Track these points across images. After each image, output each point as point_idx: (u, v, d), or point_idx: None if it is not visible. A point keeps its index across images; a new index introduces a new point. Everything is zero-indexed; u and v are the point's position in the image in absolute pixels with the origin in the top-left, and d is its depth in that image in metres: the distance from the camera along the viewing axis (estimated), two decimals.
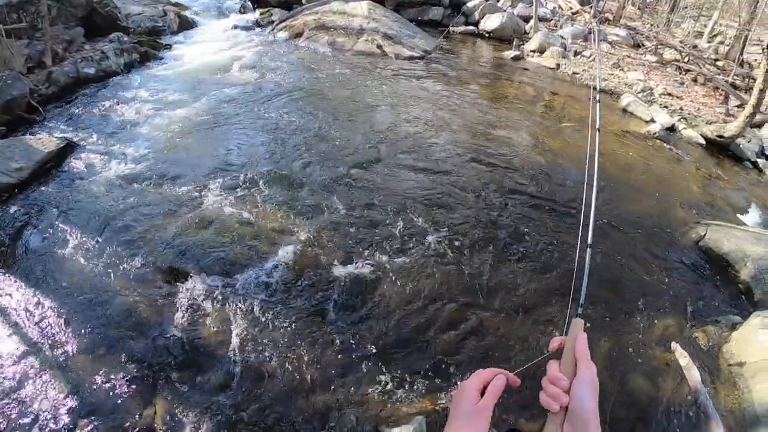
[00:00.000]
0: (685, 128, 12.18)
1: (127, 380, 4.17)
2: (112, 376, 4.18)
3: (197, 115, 8.79)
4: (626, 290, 6.03)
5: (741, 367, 5.14)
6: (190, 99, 9.45)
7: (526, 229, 6.68)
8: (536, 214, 7.08)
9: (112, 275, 5.19)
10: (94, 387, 4.10)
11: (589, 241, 1.64)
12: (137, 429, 3.85)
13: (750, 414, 4.70)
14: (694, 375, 4.94)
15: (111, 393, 4.06)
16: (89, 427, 3.81)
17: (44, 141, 7.13)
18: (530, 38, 17.57)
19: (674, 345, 5.28)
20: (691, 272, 6.61)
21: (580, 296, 1.40)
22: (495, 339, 5.02)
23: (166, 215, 6.11)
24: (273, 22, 15.43)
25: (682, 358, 5.12)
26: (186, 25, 14.65)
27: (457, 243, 6.19)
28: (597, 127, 2.16)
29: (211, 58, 12.03)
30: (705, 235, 7.21)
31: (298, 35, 14.31)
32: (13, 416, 3.83)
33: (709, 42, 22.02)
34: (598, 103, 2.33)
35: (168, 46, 12.70)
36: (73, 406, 3.95)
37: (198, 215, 6.14)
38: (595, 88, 2.40)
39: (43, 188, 6.46)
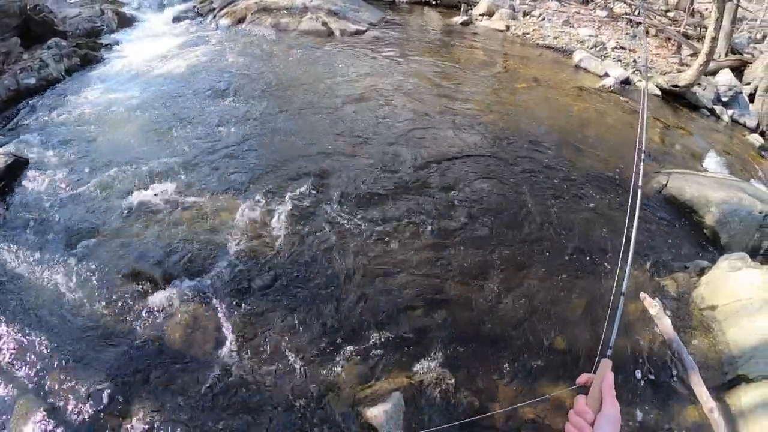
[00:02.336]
0: (639, 80, 12.38)
1: (100, 393, 4.16)
2: (85, 391, 4.18)
3: (143, 113, 8.62)
4: (593, 244, 6.18)
5: (713, 310, 5.33)
6: (134, 98, 9.25)
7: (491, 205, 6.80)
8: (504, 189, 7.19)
9: (75, 289, 5.13)
10: (68, 403, 4.09)
11: (623, 289, 1.75)
12: None
13: (726, 355, 4.90)
14: (665, 323, 5.12)
15: (85, 408, 4.06)
16: None
17: None
18: (478, 2, 17.59)
19: (643, 295, 5.45)
20: (656, 221, 6.79)
21: (611, 338, 1.50)
22: (456, 308, 5.17)
23: (125, 221, 6.03)
24: (213, 9, 15.18)
25: (652, 307, 5.30)
26: (125, 22, 14.31)
27: (423, 225, 6.22)
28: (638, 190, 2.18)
29: (152, 53, 11.75)
30: (667, 183, 7.40)
31: (241, 20, 14.10)
32: None
33: None
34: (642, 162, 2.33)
35: (108, 46, 12.37)
36: (47, 424, 3.95)
37: (155, 216, 6.10)
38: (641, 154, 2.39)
39: None
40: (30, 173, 6.94)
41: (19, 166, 7.05)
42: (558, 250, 6.04)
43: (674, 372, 4.76)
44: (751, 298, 5.21)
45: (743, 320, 5.06)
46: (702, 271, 5.89)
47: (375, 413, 4.02)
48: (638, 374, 4.71)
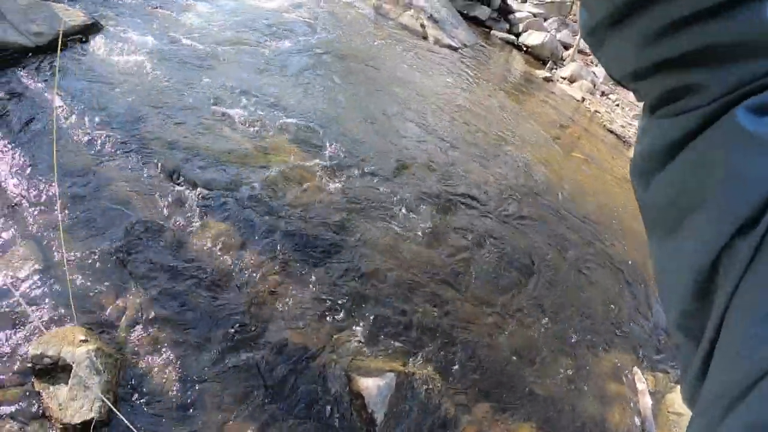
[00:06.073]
0: None
1: (100, 265, 4.39)
2: (85, 258, 4.40)
3: (236, 28, 8.94)
4: (594, 317, 6.36)
5: (678, 417, 5.50)
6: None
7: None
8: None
9: (110, 163, 5.36)
10: (65, 260, 4.27)
11: None
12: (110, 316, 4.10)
13: None
14: (646, 402, 5.35)
15: (83, 273, 4.29)
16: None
17: (72, 13, 7.22)
18: (565, 65, 17.79)
19: (636, 369, 5.68)
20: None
21: None
22: (466, 326, 5.39)
23: (183, 121, 6.29)
24: None
25: (640, 382, 5.52)
26: None
27: (463, 239, 6.50)
28: None
29: None
30: None
31: None
32: None
33: None
34: None
35: None
36: (42, 279, 4.17)
37: (214, 131, 6.35)
38: None
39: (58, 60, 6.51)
40: (103, 40, 7.21)
41: (94, 29, 7.31)
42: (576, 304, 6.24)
43: None
44: None
45: None
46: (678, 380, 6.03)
47: (368, 384, 4.28)
48: None
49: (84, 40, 7.02)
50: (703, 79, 0.53)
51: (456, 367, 4.88)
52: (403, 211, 6.42)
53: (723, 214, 0.49)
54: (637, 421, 5.25)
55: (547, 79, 16.13)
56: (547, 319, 5.91)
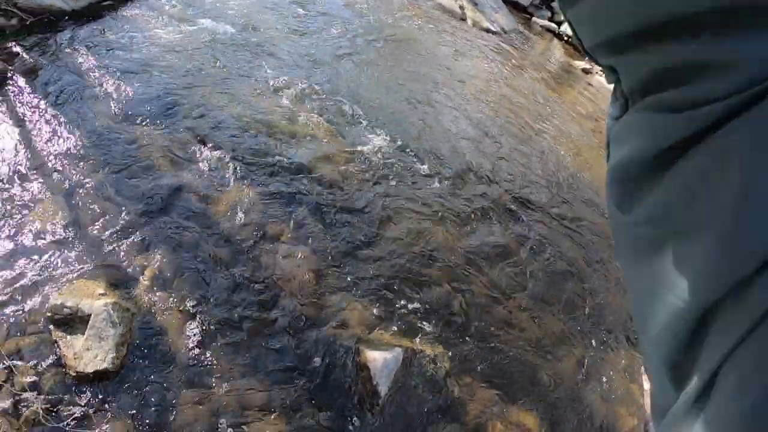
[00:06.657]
0: None
1: (124, 223, 4.54)
2: (109, 216, 4.55)
3: (277, 5, 9.06)
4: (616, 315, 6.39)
5: None
6: None
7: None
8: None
9: (140, 126, 5.49)
10: (91, 217, 4.49)
11: None
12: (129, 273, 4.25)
13: None
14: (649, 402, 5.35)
15: (106, 230, 4.45)
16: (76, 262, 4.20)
17: None
18: None
19: (644, 369, 5.64)
20: None
21: None
22: (489, 318, 5.43)
23: (220, 91, 6.41)
24: None
25: (647, 382, 5.49)
26: None
27: (485, 214, 6.54)
28: None
29: None
30: None
31: None
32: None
33: None
34: None
35: None
36: (68, 233, 4.32)
37: (249, 102, 6.45)
38: None
39: (95, 25, 6.69)
40: (142, 6, 7.31)
41: None
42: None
43: None
44: None
45: None
46: None
47: (375, 356, 4.35)
48: None
49: (117, 7, 7.14)
50: (729, 54, 0.38)
51: (465, 350, 4.94)
52: (434, 193, 6.46)
53: (738, 245, 0.38)
54: (641, 420, 5.26)
55: (586, 71, 15.95)
56: (562, 313, 5.91)
